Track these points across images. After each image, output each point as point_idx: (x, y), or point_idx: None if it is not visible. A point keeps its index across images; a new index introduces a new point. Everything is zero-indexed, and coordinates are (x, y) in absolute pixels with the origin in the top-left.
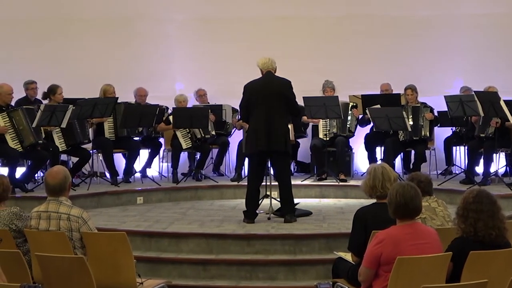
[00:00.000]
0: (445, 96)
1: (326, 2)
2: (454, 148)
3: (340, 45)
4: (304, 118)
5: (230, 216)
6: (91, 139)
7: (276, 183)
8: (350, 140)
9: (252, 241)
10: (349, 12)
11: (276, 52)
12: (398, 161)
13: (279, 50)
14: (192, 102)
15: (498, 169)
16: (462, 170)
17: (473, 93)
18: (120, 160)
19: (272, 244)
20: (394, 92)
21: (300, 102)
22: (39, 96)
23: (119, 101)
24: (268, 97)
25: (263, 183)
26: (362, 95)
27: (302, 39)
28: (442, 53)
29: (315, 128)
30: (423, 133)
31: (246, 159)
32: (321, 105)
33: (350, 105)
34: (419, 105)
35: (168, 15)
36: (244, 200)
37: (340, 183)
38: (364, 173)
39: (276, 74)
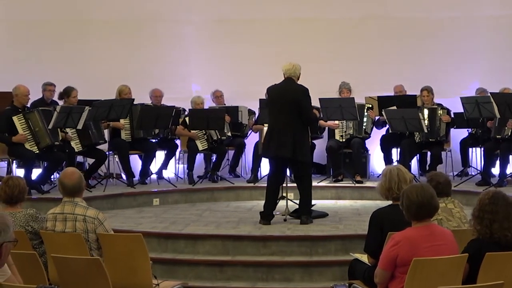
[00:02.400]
0: (461, 98)
1: (343, 4)
2: (470, 149)
3: (356, 47)
4: (321, 122)
5: (246, 218)
6: (106, 139)
7: (293, 185)
8: (366, 141)
9: (268, 243)
10: (365, 14)
11: (293, 53)
12: (414, 163)
13: (295, 51)
14: (208, 103)
15: None
16: (478, 171)
17: (489, 94)
18: (136, 162)
19: (288, 246)
20: (408, 93)
21: (316, 103)
22: (56, 97)
23: (135, 102)
24: (282, 103)
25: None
26: (378, 97)
27: (318, 41)
28: (458, 54)
29: (331, 130)
30: (440, 135)
31: (262, 161)
32: (337, 106)
33: (365, 107)
34: (435, 106)
35: (185, 16)
36: (260, 202)
37: (356, 185)
38: (380, 174)
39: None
